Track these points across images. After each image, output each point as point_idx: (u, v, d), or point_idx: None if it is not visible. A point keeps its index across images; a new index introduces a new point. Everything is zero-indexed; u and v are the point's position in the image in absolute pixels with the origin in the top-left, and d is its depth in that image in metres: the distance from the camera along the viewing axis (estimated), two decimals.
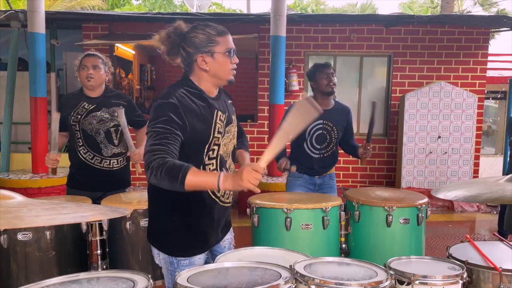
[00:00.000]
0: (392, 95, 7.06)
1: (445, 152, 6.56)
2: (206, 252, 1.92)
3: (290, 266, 1.42)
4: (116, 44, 7.15)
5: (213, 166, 1.81)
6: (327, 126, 3.20)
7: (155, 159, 1.53)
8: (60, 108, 2.86)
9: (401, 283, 1.45)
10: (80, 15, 6.79)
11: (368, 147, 3.15)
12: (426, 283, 1.40)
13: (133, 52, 8.41)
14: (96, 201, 2.67)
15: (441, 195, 1.39)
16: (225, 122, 1.84)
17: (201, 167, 1.78)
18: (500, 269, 1.47)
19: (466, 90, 6.63)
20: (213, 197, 1.83)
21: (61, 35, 7.24)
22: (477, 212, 6.45)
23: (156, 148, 1.56)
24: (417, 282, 1.39)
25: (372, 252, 2.82)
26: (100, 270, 2.63)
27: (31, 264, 2.34)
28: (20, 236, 2.28)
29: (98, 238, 2.60)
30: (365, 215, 2.86)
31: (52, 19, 6.35)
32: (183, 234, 1.82)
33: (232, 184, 1.49)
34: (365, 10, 20.38)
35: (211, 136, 1.76)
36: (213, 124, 1.76)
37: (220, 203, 1.86)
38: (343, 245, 2.95)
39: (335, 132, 3.22)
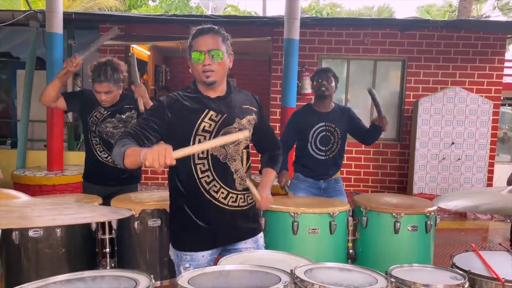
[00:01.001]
0: (406, 100, 7.00)
1: (459, 159, 6.48)
2: (211, 252, 1.95)
3: (291, 270, 1.43)
4: (132, 45, 7.25)
5: (204, 166, 1.84)
6: (329, 128, 3.26)
7: (116, 140, 1.78)
8: (84, 95, 3.04)
9: None
10: (96, 16, 6.92)
11: (383, 119, 3.18)
12: None
13: (148, 53, 8.52)
14: (110, 195, 2.79)
15: (442, 204, 1.38)
16: (219, 122, 1.85)
17: (192, 166, 1.84)
18: (503, 280, 1.46)
19: (481, 96, 6.54)
20: (208, 197, 1.87)
21: (79, 36, 7.37)
22: (490, 220, 6.35)
23: (124, 131, 1.87)
24: None
25: (379, 259, 2.81)
26: (108, 268, 2.68)
27: (42, 261, 2.40)
28: (31, 233, 2.34)
29: (107, 236, 2.65)
30: (373, 221, 2.85)
31: (70, 19, 6.47)
32: (185, 230, 1.93)
33: (143, 155, 1.49)
34: (382, 13, 20.22)
35: (193, 134, 1.82)
36: (198, 123, 1.83)
37: (219, 204, 1.88)
38: (350, 251, 2.94)
39: (338, 132, 3.27)
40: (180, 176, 1.92)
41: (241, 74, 9.39)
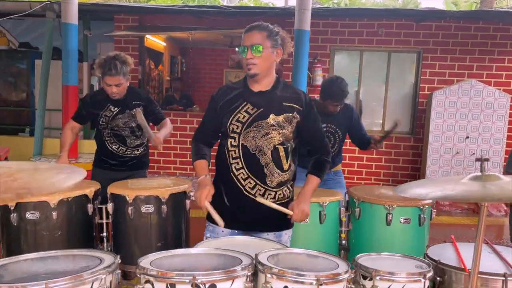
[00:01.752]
0: (420, 92, 6.86)
1: (473, 153, 6.32)
2: (231, 231, 2.06)
3: (255, 254, 1.46)
4: (146, 36, 7.35)
5: (235, 153, 1.99)
6: (330, 129, 3.30)
7: (192, 144, 2.17)
8: (85, 105, 3.19)
9: (365, 278, 1.45)
10: (111, 7, 7.02)
11: (379, 145, 3.26)
12: (387, 279, 1.40)
13: (164, 44, 8.60)
14: (118, 180, 2.92)
15: (401, 193, 1.37)
16: (253, 115, 1.96)
17: (226, 151, 2.02)
18: (469, 270, 1.44)
19: (499, 89, 6.34)
20: (237, 183, 2.00)
21: (95, 26, 7.51)
22: (505, 217, 6.19)
23: (195, 136, 2.19)
24: (378, 277, 1.39)
25: (371, 250, 2.77)
26: (105, 250, 2.77)
27: (39, 243, 2.50)
28: (28, 215, 2.44)
29: (104, 221, 2.73)
30: (366, 212, 2.85)
31: (85, 10, 6.59)
32: (213, 202, 2.00)
33: (197, 185, 1.99)
34: (407, 5, 19.73)
35: (229, 122, 1.97)
36: (235, 113, 1.98)
37: (246, 193, 2.01)
38: (343, 241, 2.94)
39: (339, 133, 3.31)
40: (218, 155, 2.12)
41: None
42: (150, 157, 3.50)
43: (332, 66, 6.91)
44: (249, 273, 1.32)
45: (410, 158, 6.99)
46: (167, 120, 3.33)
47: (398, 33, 6.74)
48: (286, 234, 2.13)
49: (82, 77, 7.28)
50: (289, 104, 2.01)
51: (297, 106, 2.02)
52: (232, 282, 1.30)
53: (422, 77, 6.83)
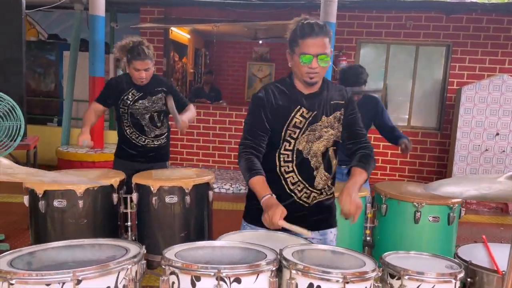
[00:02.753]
0: (449, 87, 6.68)
1: (503, 151, 6.13)
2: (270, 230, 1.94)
3: (280, 250, 1.44)
4: (171, 28, 7.38)
5: (288, 157, 1.92)
6: None
7: (242, 153, 1.93)
8: (109, 86, 3.21)
9: (392, 276, 1.42)
10: None
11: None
12: (416, 279, 1.36)
13: (188, 36, 8.63)
14: (139, 171, 2.93)
15: (432, 191, 1.33)
16: (309, 119, 1.90)
17: (278, 155, 1.93)
18: (502, 272, 1.38)
19: None
20: (284, 184, 1.94)
21: (122, 19, 7.60)
22: None
23: (244, 142, 1.94)
24: (406, 277, 1.35)
25: (397, 248, 2.67)
26: (129, 239, 2.81)
27: (66, 230, 2.55)
28: (56, 203, 2.49)
29: (129, 210, 2.77)
30: (392, 209, 2.79)
31: (112, 2, 6.67)
32: (256, 207, 1.91)
33: (264, 207, 1.77)
34: None
35: (284, 128, 1.89)
36: (290, 118, 1.89)
37: (291, 193, 1.95)
38: (368, 238, 2.89)
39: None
40: (262, 161, 1.98)
41: (280, 59, 9.32)
42: (173, 149, 3.52)
43: (358, 59, 6.80)
44: (274, 268, 1.31)
45: (436, 154, 6.83)
46: (191, 105, 3.33)
47: (427, 25, 6.56)
48: (332, 233, 2.08)
49: (108, 68, 7.39)
50: (335, 102, 1.96)
51: (342, 102, 1.97)
52: (257, 277, 1.28)
53: (451, 71, 6.65)
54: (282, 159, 1.93)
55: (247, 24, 7.09)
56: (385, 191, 2.81)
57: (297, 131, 1.90)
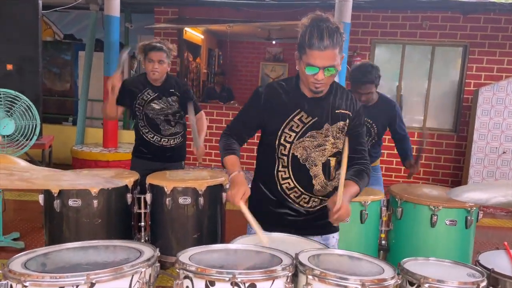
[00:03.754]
0: (466, 88, 6.56)
1: None
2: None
3: (296, 254, 1.41)
4: (185, 28, 7.40)
5: (284, 162, 1.88)
6: (366, 123, 3.11)
7: (224, 135, 2.00)
8: (126, 83, 3.17)
9: (412, 284, 1.38)
10: (152, 0, 7.11)
11: (416, 167, 3.17)
12: (437, 287, 1.32)
13: (202, 37, 8.64)
14: (155, 170, 2.95)
15: (454, 196, 1.28)
16: (307, 124, 1.83)
17: (276, 158, 1.89)
18: None
19: None
20: (282, 192, 1.91)
21: (136, 19, 7.64)
22: None
23: (230, 126, 2.01)
24: (426, 285, 1.31)
25: (412, 252, 2.66)
26: (142, 240, 2.81)
27: (80, 229, 2.56)
28: (71, 202, 2.51)
29: (142, 211, 2.77)
30: (408, 212, 2.74)
31: (127, 3, 6.71)
32: (257, 208, 1.91)
33: (230, 182, 1.81)
34: None
35: (280, 130, 1.84)
36: (287, 121, 1.84)
37: (290, 200, 1.92)
38: (383, 242, 2.85)
39: (375, 129, 3.08)
40: (263, 159, 2.00)
41: (293, 59, 9.25)
42: (186, 149, 3.51)
43: (373, 60, 6.72)
44: (290, 274, 1.28)
45: (452, 156, 6.72)
46: (202, 113, 3.36)
47: (444, 26, 6.46)
48: (334, 237, 2.04)
49: (123, 68, 7.43)
50: (341, 111, 1.87)
51: (348, 112, 1.89)
52: (272, 282, 1.26)
53: (468, 72, 6.53)
54: (280, 164, 1.89)
55: (261, 24, 7.07)
56: (400, 194, 2.76)
57: (293, 135, 1.84)
